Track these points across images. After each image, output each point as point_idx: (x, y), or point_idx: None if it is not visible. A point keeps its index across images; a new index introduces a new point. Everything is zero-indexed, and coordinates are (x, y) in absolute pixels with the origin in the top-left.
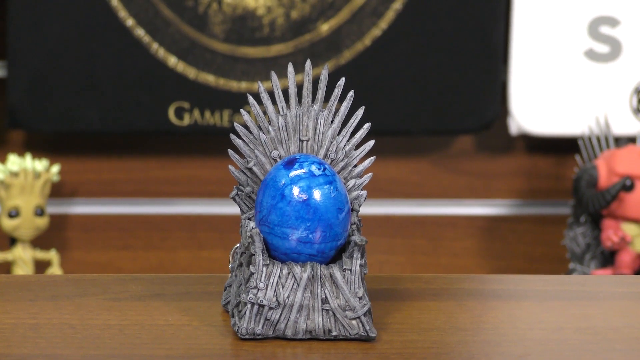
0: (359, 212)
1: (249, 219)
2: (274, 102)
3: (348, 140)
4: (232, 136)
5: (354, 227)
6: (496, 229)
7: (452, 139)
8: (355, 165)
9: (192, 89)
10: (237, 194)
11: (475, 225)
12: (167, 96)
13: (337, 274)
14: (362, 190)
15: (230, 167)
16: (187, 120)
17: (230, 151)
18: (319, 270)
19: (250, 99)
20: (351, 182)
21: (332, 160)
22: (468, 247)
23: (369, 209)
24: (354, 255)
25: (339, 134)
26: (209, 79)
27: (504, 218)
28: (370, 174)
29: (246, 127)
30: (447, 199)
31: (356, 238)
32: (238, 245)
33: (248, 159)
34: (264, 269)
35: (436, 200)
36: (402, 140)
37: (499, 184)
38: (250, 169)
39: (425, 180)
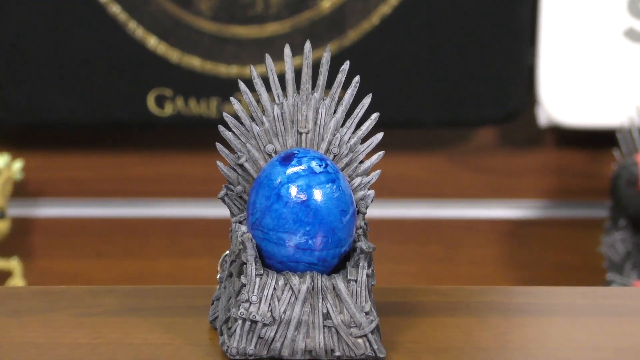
0: (366, 215)
1: (240, 222)
2: (268, 89)
3: (353, 133)
4: (221, 128)
5: (360, 231)
6: (522, 234)
7: (472, 132)
8: (362, 161)
9: (175, 74)
10: (226, 194)
11: (499, 229)
12: (147, 82)
13: (341, 285)
14: (369, 189)
15: (218, 163)
16: (169, 109)
17: (218, 145)
18: (319, 281)
19: (242, 85)
20: (357, 181)
21: (335, 156)
22: (490, 255)
23: (377, 211)
24: (360, 264)
25: (342, 125)
26: (195, 62)
27: (531, 222)
28: (378, 171)
29: (237, 117)
30: (466, 200)
31: (362, 244)
32: (227, 252)
33: (239, 154)
34: (257, 279)
35: (454, 201)
36: (415, 134)
37: (526, 183)
38: (241, 166)
39: (441, 179)
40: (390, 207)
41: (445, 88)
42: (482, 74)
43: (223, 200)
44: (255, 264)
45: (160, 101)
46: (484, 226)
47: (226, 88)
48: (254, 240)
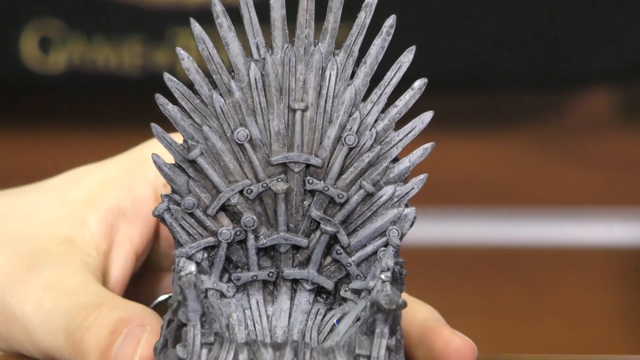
0: (400, 247)
1: (190, 257)
2: (241, 34)
3: (383, 112)
4: (160, 99)
5: (386, 276)
6: None
7: (572, 98)
8: (396, 159)
9: (67, 1)
10: (167, 209)
11: (618, 259)
12: (21, 15)
13: None
14: (406, 206)
15: (154, 157)
16: (57, 60)
17: (155, 128)
18: (308, 356)
19: (196, 28)
20: (387, 192)
21: (351, 149)
22: (607, 305)
23: (418, 231)
24: (377, 330)
25: (365, 98)
26: None
27: None
28: (423, 177)
29: (186, 82)
30: (564, 211)
31: (381, 297)
32: (164, 298)
33: (190, 142)
34: (204, 351)
35: (543, 212)
36: (481, 102)
37: None
38: (193, 162)
39: (522, 178)
40: (440, 225)
41: (532, 26)
42: (594, 5)
43: (162, 219)
44: (202, 326)
45: (45, 46)
46: (596, 257)
47: (156, 25)
48: (199, 285)
